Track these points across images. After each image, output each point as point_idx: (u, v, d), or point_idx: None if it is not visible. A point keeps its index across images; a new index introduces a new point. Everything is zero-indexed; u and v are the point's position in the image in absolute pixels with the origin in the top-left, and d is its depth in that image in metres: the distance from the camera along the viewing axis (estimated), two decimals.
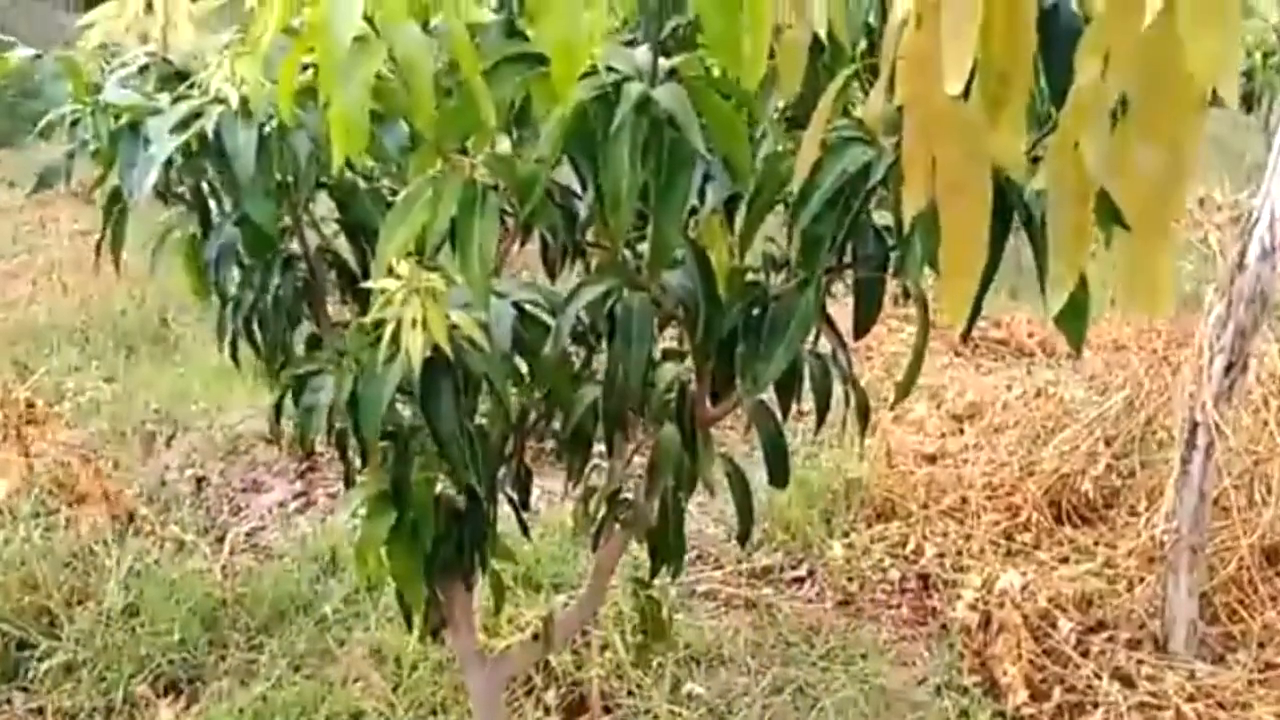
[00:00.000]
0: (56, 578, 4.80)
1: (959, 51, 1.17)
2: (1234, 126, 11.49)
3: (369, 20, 1.70)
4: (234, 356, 2.77)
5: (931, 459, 5.92)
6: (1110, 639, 4.56)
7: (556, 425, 2.64)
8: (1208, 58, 1.11)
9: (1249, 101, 11.78)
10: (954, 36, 1.17)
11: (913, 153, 1.37)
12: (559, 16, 1.57)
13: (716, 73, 1.92)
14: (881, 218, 2.04)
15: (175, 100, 2.34)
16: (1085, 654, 4.47)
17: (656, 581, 3.07)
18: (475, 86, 1.78)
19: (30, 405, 6.84)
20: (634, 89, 1.80)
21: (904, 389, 2.32)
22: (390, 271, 2.14)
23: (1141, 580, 4.79)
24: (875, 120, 1.70)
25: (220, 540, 5.48)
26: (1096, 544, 5.18)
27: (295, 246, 2.65)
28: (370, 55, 1.70)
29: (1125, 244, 1.33)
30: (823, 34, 1.57)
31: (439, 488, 2.58)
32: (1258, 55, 10.73)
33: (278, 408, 2.61)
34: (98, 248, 2.74)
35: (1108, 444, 5.59)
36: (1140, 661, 4.42)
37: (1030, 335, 7.70)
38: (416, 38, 1.73)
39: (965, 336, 2.11)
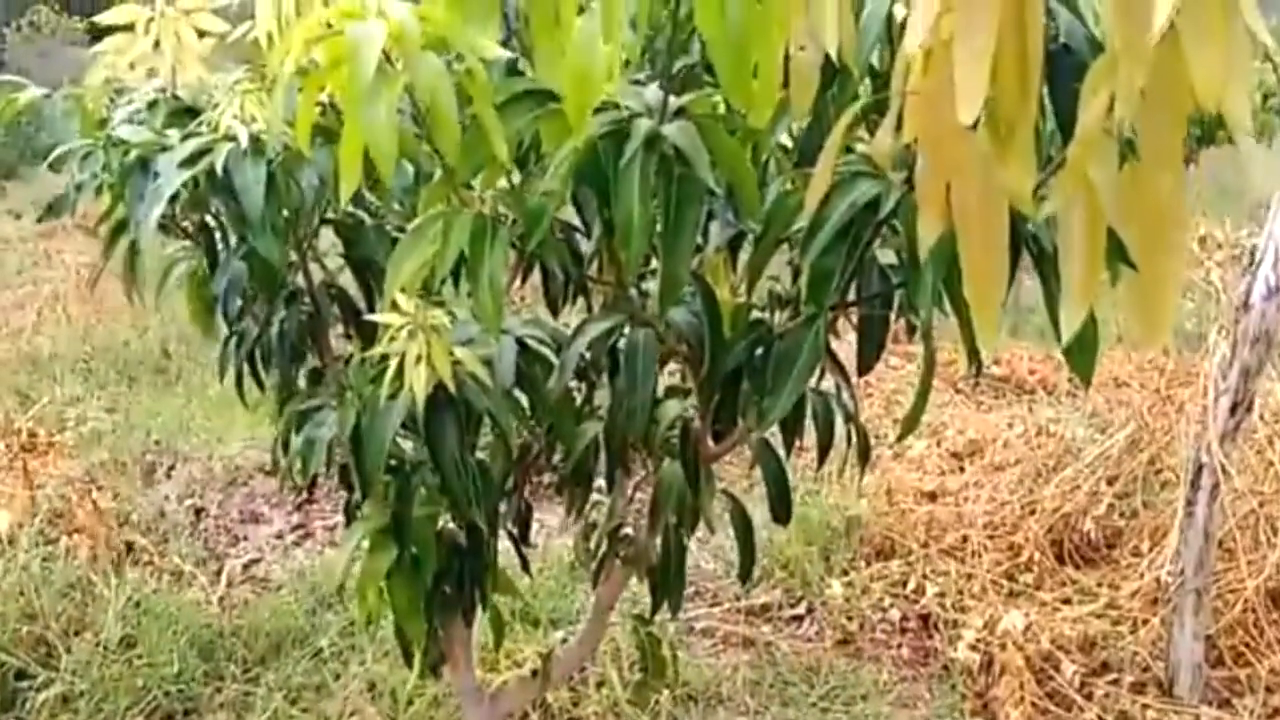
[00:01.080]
0: (55, 608, 4.77)
1: (972, 84, 1.18)
2: (1234, 166, 11.52)
3: (385, 55, 1.70)
4: (239, 390, 2.77)
5: (932, 497, 5.89)
6: (1114, 682, 4.52)
7: (558, 459, 2.64)
8: (1210, 73, 1.13)
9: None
10: (967, 70, 1.18)
11: (927, 185, 1.38)
12: (575, 50, 1.58)
13: (723, 110, 1.92)
14: (885, 255, 2.04)
15: (185, 137, 2.35)
16: (1089, 697, 4.44)
17: (655, 618, 3.06)
18: (488, 121, 1.78)
19: (32, 435, 6.85)
20: (644, 125, 1.81)
21: (909, 425, 2.32)
22: (395, 306, 2.14)
23: (1145, 622, 4.76)
24: (884, 155, 1.71)
25: (218, 571, 5.47)
26: (1100, 585, 5.15)
27: (300, 281, 2.66)
28: (392, 83, 1.70)
29: (1130, 275, 1.34)
30: (834, 53, 1.58)
31: (440, 522, 2.58)
32: (1257, 96, 10.75)
33: (283, 443, 2.61)
34: (93, 282, 2.74)
35: (1110, 483, 5.56)
36: (1145, 706, 4.38)
37: (1031, 372, 7.68)
38: (436, 67, 1.74)
39: (977, 375, 2.11)
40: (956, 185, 1.33)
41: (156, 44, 2.52)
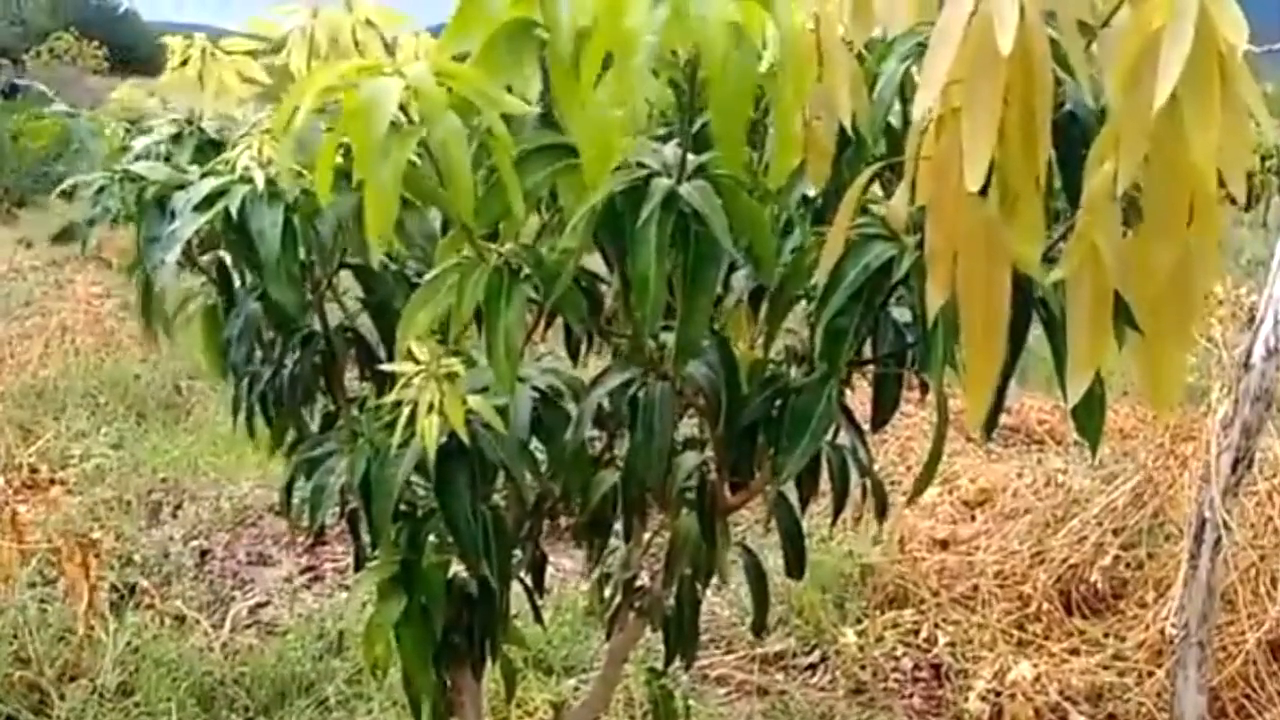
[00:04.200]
0: (50, 652, 4.71)
1: (978, 152, 1.22)
2: (1233, 223, 11.60)
3: (403, 108, 1.70)
4: (250, 429, 2.75)
5: (944, 544, 5.89)
6: None
7: (574, 508, 2.62)
8: (1209, 148, 1.16)
9: (1247, 200, 11.97)
10: (974, 138, 1.20)
11: (936, 249, 1.39)
12: (594, 108, 1.58)
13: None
14: (900, 314, 2.04)
15: (203, 175, 2.33)
16: None
17: (669, 667, 3.04)
18: (506, 178, 1.78)
19: (34, 471, 6.80)
20: (661, 184, 1.80)
21: (921, 486, 2.32)
22: (410, 354, 2.13)
23: (1151, 674, 4.75)
24: (898, 218, 1.72)
25: (222, 615, 5.40)
26: (1106, 635, 5.14)
27: (315, 324, 2.64)
28: (405, 141, 1.70)
29: (1139, 341, 1.36)
30: (848, 123, 1.58)
31: (450, 571, 2.56)
32: (1255, 158, 10.87)
33: (289, 487, 2.60)
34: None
35: (1116, 534, 5.56)
36: None
37: (1040, 422, 7.69)
38: (452, 126, 1.73)
39: (988, 434, 2.11)
40: (963, 255, 1.36)
41: (200, 81, 2.54)
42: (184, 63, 2.61)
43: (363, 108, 1.65)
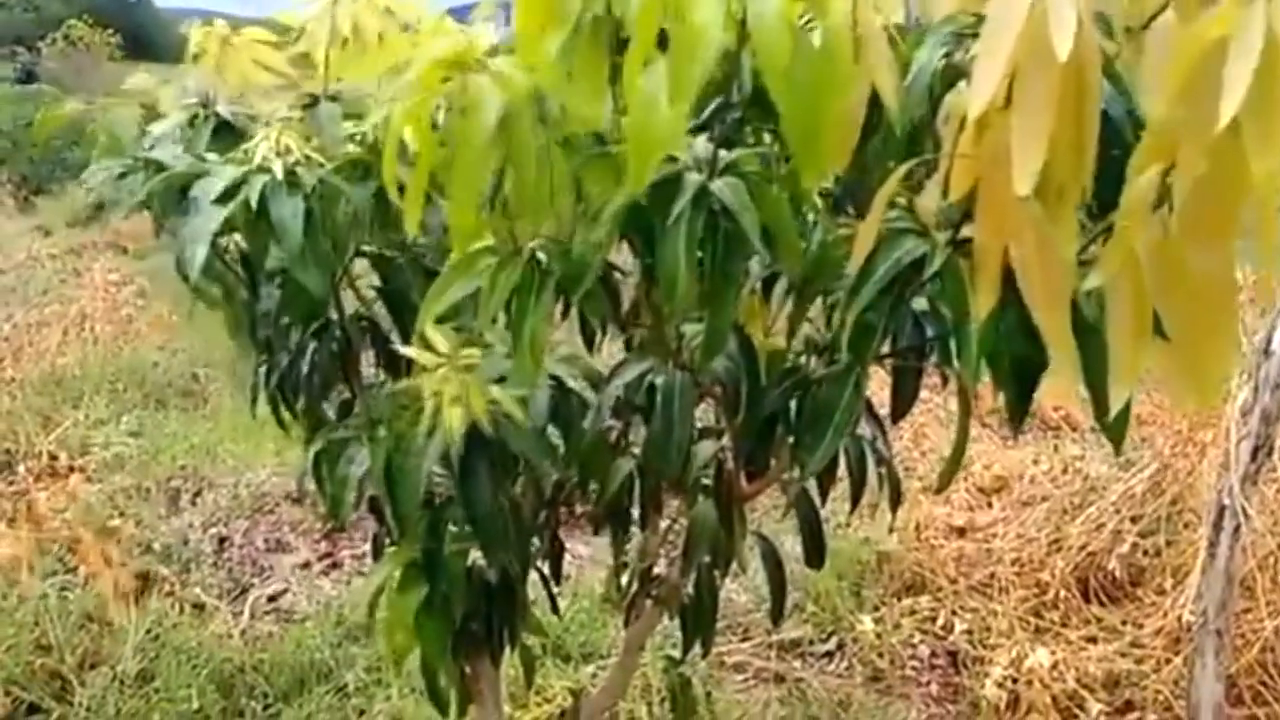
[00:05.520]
0: (70, 640, 4.73)
1: (1029, 156, 1.20)
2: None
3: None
4: (276, 416, 2.75)
5: (960, 532, 5.88)
6: None
7: (590, 497, 2.62)
8: (1272, 167, 1.12)
9: None
10: (1024, 141, 1.20)
11: (987, 249, 1.38)
12: (638, 108, 1.57)
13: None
14: (917, 303, 2.03)
15: (224, 162, 2.33)
16: None
17: (686, 655, 3.04)
18: (559, 178, 1.79)
19: (53, 458, 6.81)
20: (693, 180, 1.80)
21: (945, 479, 2.33)
22: (426, 342, 2.13)
23: (1168, 661, 4.75)
24: (929, 213, 1.71)
25: (241, 603, 5.43)
26: (1124, 623, 5.13)
27: (332, 312, 2.64)
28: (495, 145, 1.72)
29: (1175, 343, 1.34)
30: (894, 107, 1.57)
31: (469, 559, 2.56)
32: None
33: (314, 474, 2.60)
34: None
35: (1134, 522, 5.55)
36: None
37: (1056, 409, 7.66)
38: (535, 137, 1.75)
39: (1016, 433, 2.11)
40: (1015, 248, 1.34)
41: (219, 70, 2.54)
42: (202, 52, 2.61)
43: (474, 101, 1.67)
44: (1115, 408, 1.41)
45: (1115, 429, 1.75)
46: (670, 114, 1.53)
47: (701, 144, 1.86)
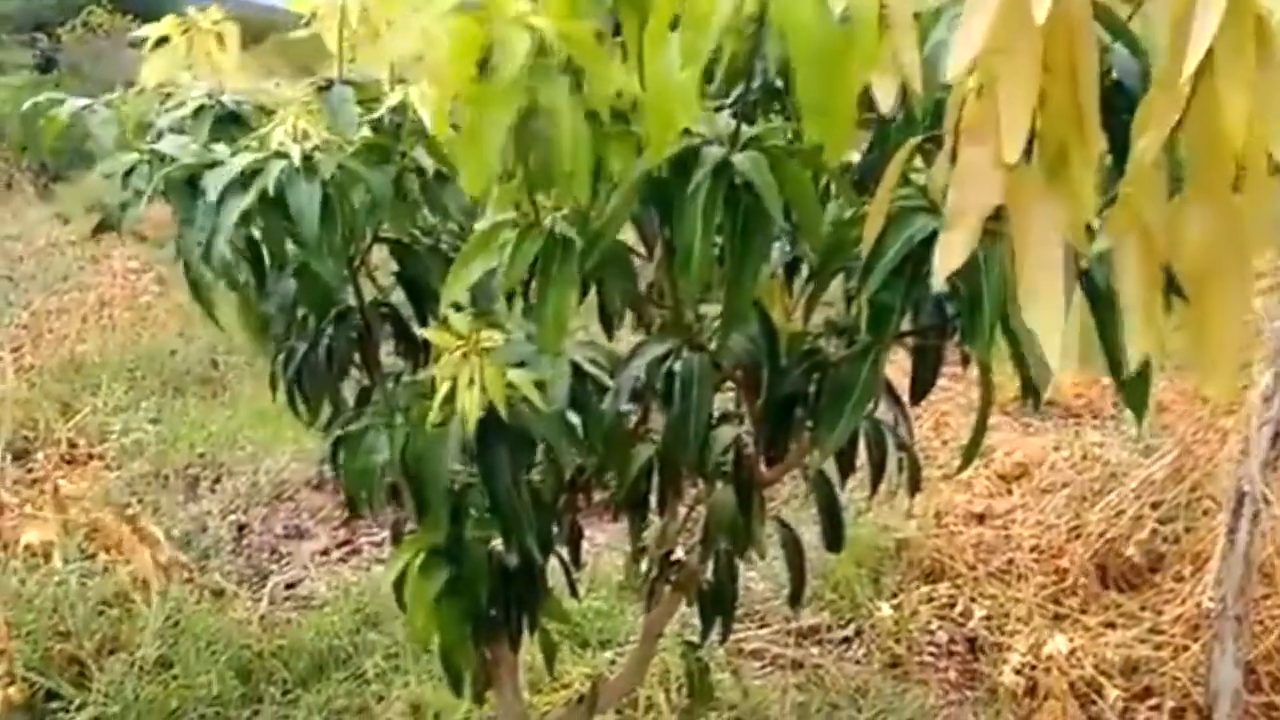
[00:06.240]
0: (89, 626, 4.73)
1: (1014, 123, 1.21)
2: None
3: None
4: (292, 404, 2.75)
5: (980, 519, 5.86)
6: (1155, 707, 4.50)
7: (609, 482, 2.62)
8: (1240, 112, 1.13)
9: None
10: (1010, 108, 1.20)
11: (957, 211, 1.36)
12: (655, 78, 1.57)
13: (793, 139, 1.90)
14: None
15: (234, 153, 2.32)
16: None
17: (704, 641, 3.04)
18: (581, 148, 1.78)
19: (73, 445, 6.81)
20: (713, 153, 1.79)
21: (966, 460, 2.31)
22: (447, 325, 2.13)
23: (1187, 648, 4.73)
24: (939, 189, 1.69)
25: (260, 589, 5.44)
26: (1143, 610, 5.11)
27: (350, 299, 2.63)
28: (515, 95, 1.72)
29: (1187, 316, 1.33)
30: (917, 86, 1.56)
31: (489, 544, 2.56)
32: None
33: (332, 460, 2.60)
34: None
35: (1154, 508, 5.53)
36: None
37: (1077, 396, 7.63)
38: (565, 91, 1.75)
39: (1035, 408, 2.11)
40: (1014, 218, 1.33)
41: (189, 51, 2.54)
42: (164, 40, 2.61)
43: (499, 41, 1.68)
44: (1133, 367, 1.39)
45: (1134, 397, 1.75)
46: (684, 78, 1.53)
47: (724, 118, 1.86)
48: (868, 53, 1.50)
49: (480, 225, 2.04)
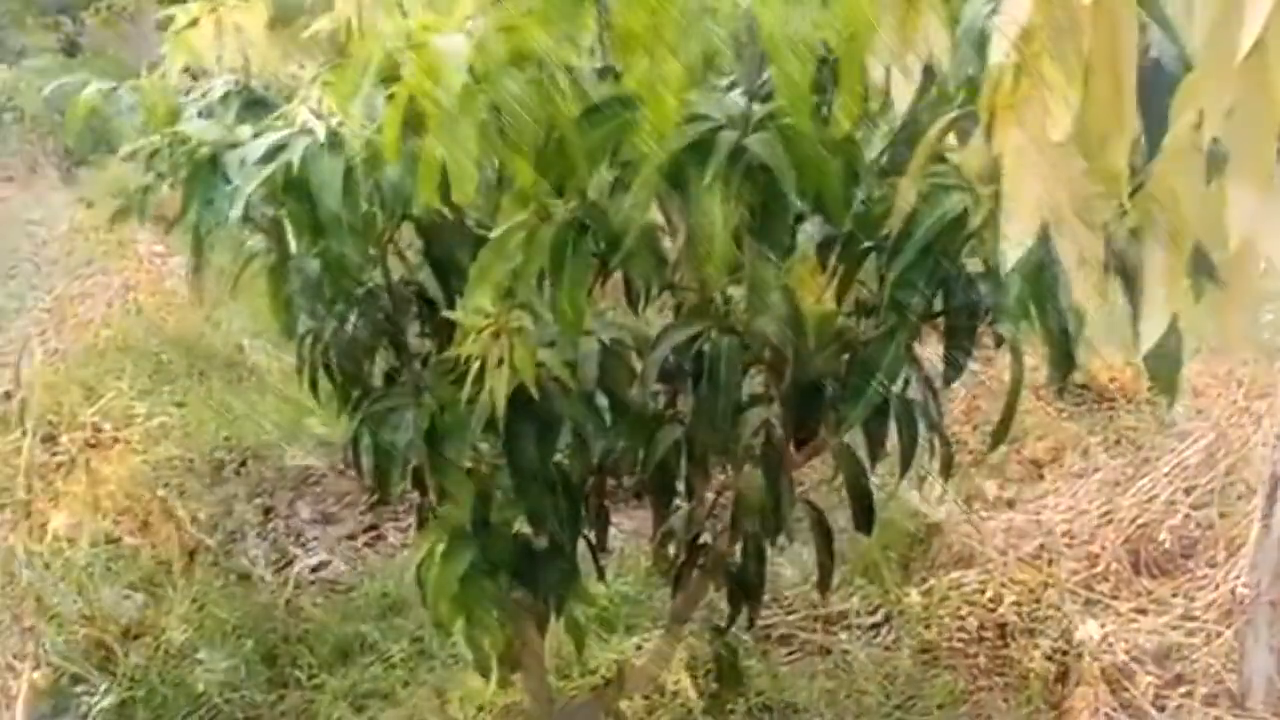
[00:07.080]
0: (115, 610, 4.73)
1: (1063, 105, 1.20)
2: None
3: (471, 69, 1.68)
4: (313, 388, 2.73)
5: (1010, 504, 5.83)
6: (1188, 694, 4.45)
7: (636, 464, 2.59)
8: None
9: None
10: (1058, 88, 1.17)
11: (1015, 198, 1.34)
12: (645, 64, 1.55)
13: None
14: (974, 265, 2.00)
15: (258, 133, 2.30)
16: (1162, 709, 4.38)
17: (732, 626, 3.01)
18: (569, 135, 1.75)
19: (97, 430, 6.79)
20: (727, 138, 1.77)
21: (996, 440, 2.29)
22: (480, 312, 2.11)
23: (1219, 634, 4.69)
24: (973, 168, 1.67)
25: (286, 574, 5.41)
26: (1175, 595, 5.07)
27: (378, 278, 2.61)
28: (474, 102, 1.68)
29: (1215, 292, 1.32)
30: (944, 61, 1.54)
31: (515, 526, 2.54)
32: None
33: (355, 443, 2.58)
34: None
35: (1187, 493, 5.49)
36: (1217, 718, 4.33)
37: (1111, 380, 7.58)
38: (520, 85, 1.71)
39: (1062, 387, 2.10)
40: (1051, 199, 1.30)
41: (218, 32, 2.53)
42: (194, 21, 2.60)
43: (434, 64, 1.63)
44: (1146, 345, 1.37)
45: (1163, 377, 1.72)
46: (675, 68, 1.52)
47: (738, 101, 1.83)
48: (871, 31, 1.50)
49: (495, 232, 2.02)
